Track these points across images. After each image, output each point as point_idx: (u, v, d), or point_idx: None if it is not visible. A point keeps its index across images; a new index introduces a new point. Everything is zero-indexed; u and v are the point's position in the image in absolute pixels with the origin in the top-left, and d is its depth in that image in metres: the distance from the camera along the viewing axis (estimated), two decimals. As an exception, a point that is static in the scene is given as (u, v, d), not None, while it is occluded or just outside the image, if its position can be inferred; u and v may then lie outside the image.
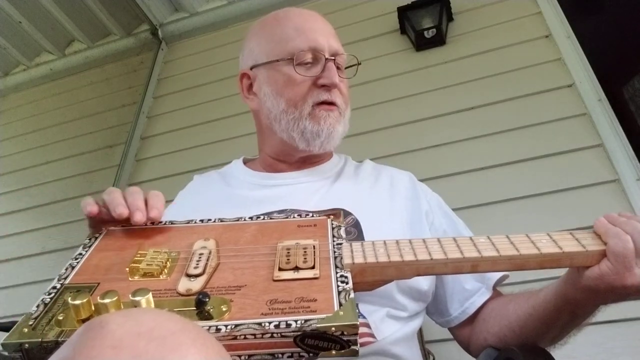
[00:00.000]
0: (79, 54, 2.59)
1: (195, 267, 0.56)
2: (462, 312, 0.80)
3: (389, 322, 0.72)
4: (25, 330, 0.48)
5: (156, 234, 0.66)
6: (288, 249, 0.59)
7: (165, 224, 0.69)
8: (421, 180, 0.96)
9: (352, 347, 0.47)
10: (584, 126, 1.45)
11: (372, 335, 0.69)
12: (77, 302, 0.46)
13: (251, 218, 0.70)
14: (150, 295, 0.47)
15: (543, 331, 0.67)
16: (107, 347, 0.33)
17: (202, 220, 0.69)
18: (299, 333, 0.46)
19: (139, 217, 0.63)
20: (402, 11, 1.82)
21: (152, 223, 0.67)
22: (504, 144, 1.50)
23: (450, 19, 1.82)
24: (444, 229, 0.85)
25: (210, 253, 0.60)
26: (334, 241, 0.62)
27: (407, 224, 0.82)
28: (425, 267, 0.57)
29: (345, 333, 0.47)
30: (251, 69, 0.91)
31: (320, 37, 0.84)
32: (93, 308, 0.47)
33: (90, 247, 0.63)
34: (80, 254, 0.62)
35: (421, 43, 1.78)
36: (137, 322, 0.36)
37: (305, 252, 0.58)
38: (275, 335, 0.46)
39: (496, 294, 0.81)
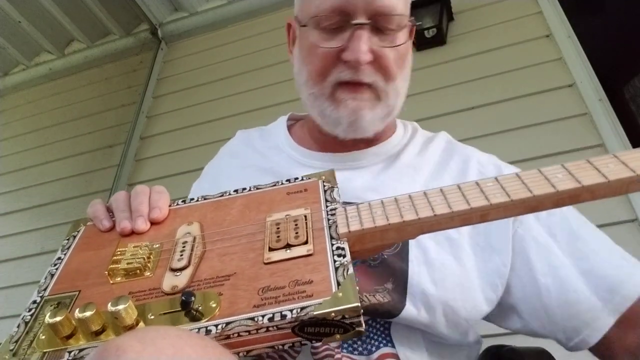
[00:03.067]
0: (78, 53, 2.59)
1: (180, 259, 0.52)
2: (581, 341, 0.61)
3: (427, 353, 0.60)
4: (7, 357, 0.45)
5: None
6: (277, 224, 0.54)
7: None
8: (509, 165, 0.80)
9: (357, 328, 0.44)
10: (584, 126, 1.45)
11: None
12: (56, 319, 0.43)
13: (236, 191, 0.63)
14: (130, 303, 0.43)
15: None
16: None
17: (184, 201, 0.64)
18: (296, 323, 0.43)
19: (141, 225, 0.58)
20: (402, 11, 1.81)
21: None
22: (504, 144, 1.49)
23: (450, 18, 1.81)
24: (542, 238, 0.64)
25: (194, 240, 0.55)
26: (327, 207, 0.56)
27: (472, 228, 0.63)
28: (429, 225, 0.50)
29: (346, 316, 0.43)
30: (296, 18, 0.74)
31: None
32: (74, 323, 0.44)
33: (69, 248, 0.59)
34: (59, 258, 0.58)
35: (421, 43, 1.78)
36: (155, 350, 0.33)
37: (296, 225, 0.53)
38: (270, 328, 0.43)
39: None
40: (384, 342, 0.58)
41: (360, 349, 0.58)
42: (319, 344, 0.56)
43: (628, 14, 2.19)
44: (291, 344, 0.45)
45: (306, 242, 0.50)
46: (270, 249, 0.51)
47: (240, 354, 0.44)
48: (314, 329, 0.43)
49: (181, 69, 2.27)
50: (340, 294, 0.44)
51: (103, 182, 2.03)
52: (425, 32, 1.74)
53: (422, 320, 0.58)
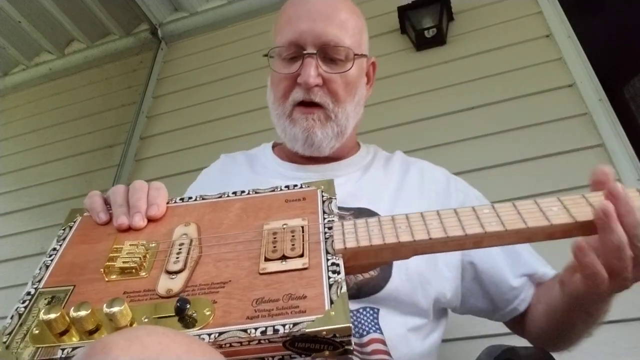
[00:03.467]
0: (78, 53, 2.59)
1: (176, 262, 0.52)
2: (513, 309, 0.77)
3: (408, 338, 0.69)
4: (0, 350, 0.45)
5: None
6: (275, 233, 0.54)
7: None
8: (458, 178, 0.92)
9: (346, 347, 0.45)
10: (584, 126, 1.44)
11: (387, 353, 0.64)
12: (50, 316, 0.43)
13: (235, 193, 0.63)
14: (125, 306, 0.44)
15: (567, 328, 0.67)
16: None
17: (182, 199, 0.64)
18: (287, 338, 0.43)
19: (138, 221, 0.59)
20: (403, 11, 1.81)
21: None
22: (504, 144, 1.49)
23: (450, 18, 1.81)
24: None
25: (191, 243, 0.55)
26: (324, 219, 0.56)
27: None
28: (423, 247, 0.52)
29: (337, 335, 0.44)
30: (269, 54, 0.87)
31: (304, 27, 0.75)
32: (69, 320, 0.44)
33: (64, 239, 0.59)
34: (55, 248, 0.58)
35: (421, 43, 1.78)
36: (141, 347, 0.34)
37: (293, 236, 0.53)
38: (262, 341, 0.43)
39: (539, 290, 0.78)
40: (373, 328, 0.65)
41: (352, 331, 0.63)
42: None
43: (628, 14, 2.19)
44: (281, 357, 0.45)
45: (302, 255, 0.51)
46: (266, 259, 0.51)
47: None
48: (305, 344, 0.44)
49: (181, 69, 2.27)
50: (333, 313, 0.44)
51: (103, 182, 2.02)
52: (425, 32, 1.74)
53: (404, 289, 0.67)
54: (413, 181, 0.82)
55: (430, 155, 1.56)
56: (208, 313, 0.46)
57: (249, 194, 0.63)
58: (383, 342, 0.64)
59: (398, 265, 0.69)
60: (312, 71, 0.74)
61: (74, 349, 0.44)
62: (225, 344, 0.43)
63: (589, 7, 2.24)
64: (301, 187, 0.62)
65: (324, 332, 0.43)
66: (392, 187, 0.81)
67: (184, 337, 0.38)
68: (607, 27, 2.20)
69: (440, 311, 0.78)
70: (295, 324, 0.44)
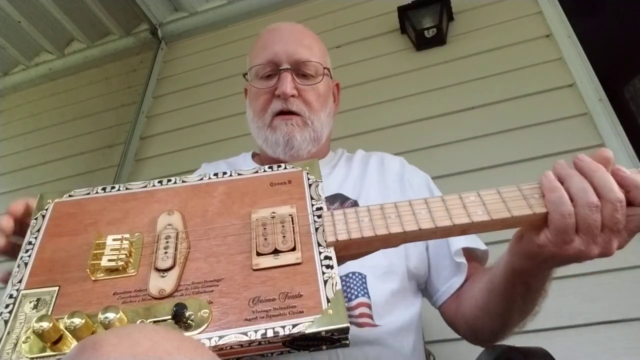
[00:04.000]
0: (78, 53, 2.59)
1: (164, 259, 0.50)
2: (443, 292, 0.81)
3: (391, 304, 0.74)
4: None
5: (111, 206, 0.58)
6: (264, 224, 0.53)
7: (119, 189, 0.60)
8: (411, 165, 0.99)
9: (343, 342, 0.45)
10: (584, 126, 1.44)
11: (371, 317, 0.70)
12: (43, 326, 0.42)
13: (216, 175, 0.61)
14: (121, 315, 0.43)
15: (505, 305, 0.66)
16: None
17: (160, 182, 0.61)
18: (287, 339, 0.44)
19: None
20: (403, 11, 1.81)
21: (104, 189, 0.60)
22: (504, 144, 1.49)
23: (450, 18, 1.81)
24: None
25: (177, 235, 0.53)
26: (312, 205, 0.56)
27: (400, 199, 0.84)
28: (412, 236, 0.53)
29: (335, 334, 0.44)
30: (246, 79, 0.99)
31: (279, 49, 0.89)
32: (61, 327, 0.43)
33: (39, 230, 0.55)
34: (30, 242, 0.54)
35: (421, 43, 1.78)
36: (132, 343, 0.35)
37: (283, 226, 0.52)
38: (262, 342, 0.44)
39: (476, 271, 0.80)
40: (362, 292, 0.72)
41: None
42: None
43: (628, 14, 2.19)
44: (280, 352, 0.46)
45: (294, 249, 0.50)
46: (259, 254, 0.50)
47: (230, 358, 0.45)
48: (304, 342, 0.45)
49: (181, 69, 2.27)
50: (331, 312, 0.44)
51: (103, 182, 2.01)
52: (425, 32, 1.74)
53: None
54: (374, 168, 0.93)
55: (431, 155, 1.56)
56: (205, 315, 0.45)
57: (230, 175, 0.61)
58: (369, 306, 0.70)
59: None
60: (289, 83, 0.86)
61: None
62: (225, 347, 0.43)
63: (589, 7, 2.24)
64: (285, 169, 0.61)
65: (323, 333, 0.44)
66: (355, 175, 0.91)
67: (174, 334, 0.38)
68: (607, 27, 2.20)
69: (414, 281, 0.82)
70: (294, 325, 0.44)
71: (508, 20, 1.74)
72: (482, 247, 0.83)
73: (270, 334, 0.43)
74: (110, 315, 0.42)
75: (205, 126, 1.98)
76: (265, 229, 0.53)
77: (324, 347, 0.45)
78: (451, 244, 0.80)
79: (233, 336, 0.43)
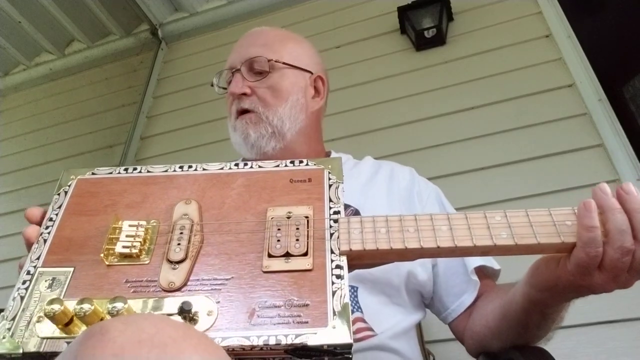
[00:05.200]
0: (78, 53, 2.59)
1: (177, 250, 0.51)
2: (453, 310, 0.80)
3: (387, 313, 0.73)
4: (4, 338, 0.45)
5: (131, 188, 0.59)
6: (279, 226, 0.52)
7: (140, 171, 0.62)
8: (421, 176, 0.96)
9: (346, 356, 0.45)
10: (584, 126, 1.45)
11: (370, 329, 0.69)
12: (54, 309, 0.44)
13: (237, 165, 0.61)
14: (128, 306, 0.44)
15: (518, 330, 0.65)
16: (108, 355, 0.33)
17: (181, 167, 0.61)
18: (289, 348, 0.44)
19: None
20: (402, 11, 1.82)
21: (126, 170, 0.62)
22: (504, 144, 1.50)
23: (450, 18, 1.81)
24: None
25: (192, 227, 0.53)
26: (330, 208, 0.55)
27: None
28: (430, 253, 0.51)
29: (338, 349, 0.44)
30: None
31: (236, 53, 0.92)
32: (72, 311, 0.44)
33: (60, 207, 0.57)
34: (51, 219, 0.56)
35: (421, 43, 1.78)
36: (138, 329, 0.35)
37: (297, 229, 0.52)
38: (264, 348, 0.44)
39: (488, 289, 0.79)
40: (355, 307, 0.71)
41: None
42: None
43: (628, 14, 2.19)
44: (282, 358, 0.46)
45: (306, 254, 0.50)
46: (270, 255, 0.50)
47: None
48: (306, 352, 0.44)
49: (181, 69, 2.27)
50: (335, 327, 0.44)
51: (103, 182, 2.02)
52: (425, 32, 1.74)
53: (380, 267, 0.68)
54: (383, 179, 0.90)
55: (430, 155, 1.57)
56: (211, 315, 0.46)
57: (251, 167, 0.60)
58: (363, 320, 0.70)
59: None
60: (238, 83, 0.88)
61: None
62: (228, 349, 0.44)
63: (589, 7, 2.23)
64: (307, 165, 0.60)
65: (326, 347, 0.43)
66: (362, 183, 0.89)
67: (180, 323, 0.39)
68: (606, 27, 2.20)
69: (415, 295, 0.81)
70: (297, 336, 0.44)
71: (508, 21, 1.74)
72: (496, 266, 0.81)
73: (272, 341, 0.43)
74: (118, 305, 0.44)
75: (205, 126, 1.98)
76: (279, 230, 0.52)
77: (326, 359, 0.45)
78: (467, 262, 0.79)
79: (236, 339, 0.44)
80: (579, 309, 1.17)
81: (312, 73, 0.96)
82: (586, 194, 0.52)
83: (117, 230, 0.53)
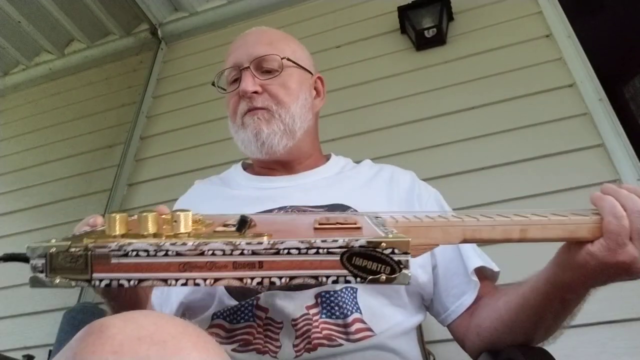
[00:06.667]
0: (78, 53, 2.59)
1: (229, 224, 0.51)
2: (453, 311, 0.80)
3: (387, 314, 0.73)
4: (53, 240, 0.44)
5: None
6: (327, 217, 0.55)
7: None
8: (421, 180, 0.96)
9: (404, 270, 0.43)
10: (584, 126, 1.45)
11: (369, 329, 0.70)
12: (113, 214, 0.44)
13: (280, 209, 0.64)
14: (190, 214, 0.45)
15: (535, 321, 0.66)
16: (107, 352, 0.33)
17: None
18: (346, 249, 0.42)
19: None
20: (403, 10, 1.82)
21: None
22: (504, 144, 1.50)
23: (450, 18, 1.81)
24: None
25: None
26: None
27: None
28: (472, 230, 0.55)
29: (396, 251, 0.43)
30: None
31: (240, 51, 0.90)
32: (135, 217, 0.45)
33: None
34: None
35: (421, 43, 1.78)
36: (137, 326, 0.36)
37: (345, 218, 0.54)
38: (320, 250, 0.42)
39: (489, 290, 0.80)
40: (355, 308, 0.71)
41: (337, 313, 0.69)
42: (307, 312, 0.67)
43: (628, 14, 2.19)
44: (335, 278, 0.43)
45: (355, 223, 0.51)
46: (321, 224, 0.51)
47: (283, 280, 0.43)
48: (362, 261, 0.43)
49: (181, 69, 2.27)
50: (391, 235, 0.44)
51: (103, 182, 2.02)
52: (425, 32, 1.74)
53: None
54: (383, 181, 0.90)
55: (430, 155, 1.57)
56: (265, 235, 0.45)
57: (291, 212, 0.65)
58: (362, 321, 0.70)
59: None
60: (249, 80, 0.86)
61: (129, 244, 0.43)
62: (282, 250, 0.43)
63: (589, 7, 2.24)
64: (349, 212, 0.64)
65: (384, 244, 0.43)
66: (361, 183, 0.89)
67: (179, 320, 0.39)
68: (607, 27, 2.20)
69: (416, 297, 0.81)
70: (357, 239, 0.43)
71: (508, 20, 1.74)
72: (496, 268, 0.82)
73: (330, 239, 0.43)
74: (179, 211, 0.44)
75: (205, 126, 1.98)
76: (328, 218, 0.54)
77: (384, 277, 0.43)
78: (467, 262, 0.79)
79: (291, 242, 0.43)
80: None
81: (312, 74, 0.97)
82: (586, 194, 0.55)
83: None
